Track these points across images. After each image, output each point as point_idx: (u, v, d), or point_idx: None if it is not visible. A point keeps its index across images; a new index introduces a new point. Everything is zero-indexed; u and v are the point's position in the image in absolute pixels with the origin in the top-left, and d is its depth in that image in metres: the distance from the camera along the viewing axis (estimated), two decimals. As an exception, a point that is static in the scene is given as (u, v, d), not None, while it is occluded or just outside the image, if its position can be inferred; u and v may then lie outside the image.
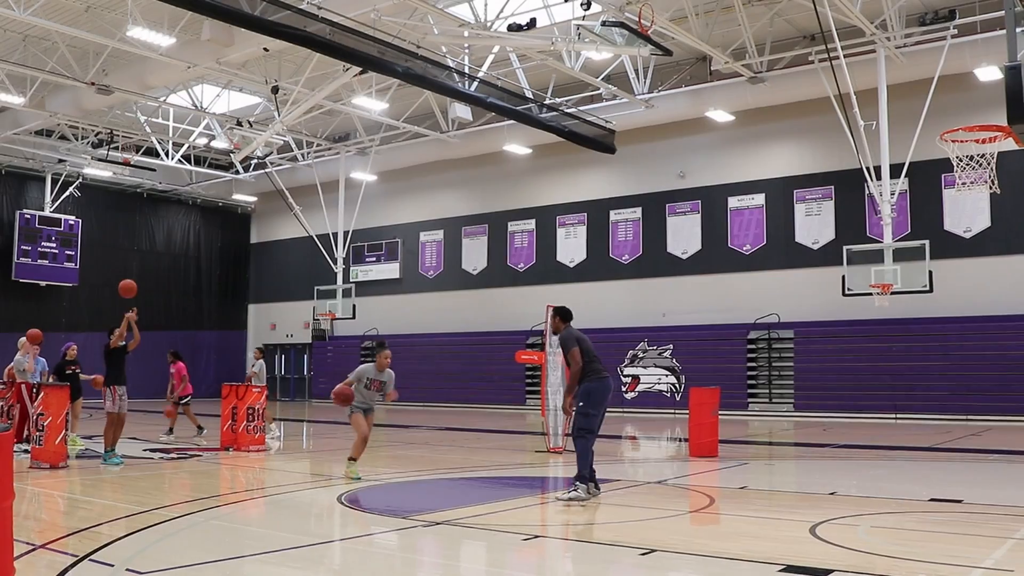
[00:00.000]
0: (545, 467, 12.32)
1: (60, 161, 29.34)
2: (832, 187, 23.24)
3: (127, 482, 10.52)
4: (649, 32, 15.43)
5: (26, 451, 12.56)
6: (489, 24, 17.47)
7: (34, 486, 9.85)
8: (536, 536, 7.23)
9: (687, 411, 13.74)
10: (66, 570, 5.68)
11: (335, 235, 28.54)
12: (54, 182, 30.35)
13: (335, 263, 28.35)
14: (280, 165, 30.53)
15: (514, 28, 16.93)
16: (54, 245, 29.93)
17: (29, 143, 27.76)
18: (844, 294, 19.02)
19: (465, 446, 15.76)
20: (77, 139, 27.61)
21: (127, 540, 6.74)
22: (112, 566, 5.84)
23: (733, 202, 24.79)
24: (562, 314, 9.34)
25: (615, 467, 12.70)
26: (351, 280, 29.91)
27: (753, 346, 24.05)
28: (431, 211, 31.05)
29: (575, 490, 8.58)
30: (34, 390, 12.65)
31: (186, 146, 28.35)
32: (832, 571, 5.62)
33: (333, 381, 32.63)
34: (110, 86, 21.35)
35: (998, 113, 10.39)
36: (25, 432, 13.10)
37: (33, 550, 6.31)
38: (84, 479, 10.72)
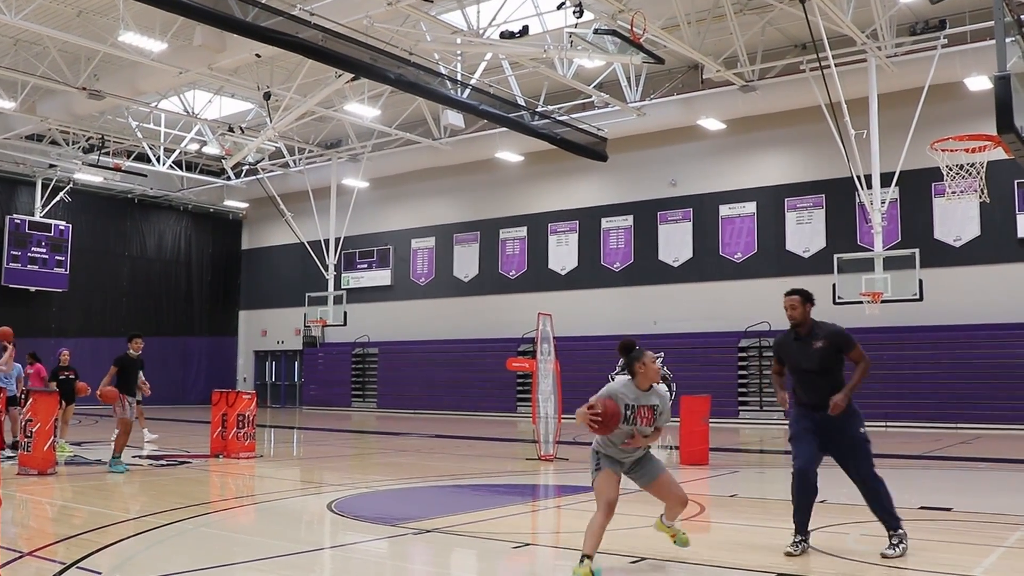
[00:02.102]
0: (536, 475, 12.30)
1: (51, 166, 29.24)
2: (823, 196, 23.29)
3: (116, 489, 10.47)
4: (641, 40, 15.46)
5: (9, 457, 12.52)
6: (481, 31, 17.49)
7: (22, 493, 9.79)
8: (527, 544, 7.21)
9: (678, 419, 13.73)
10: (53, 577, 5.65)
11: (326, 242, 28.51)
12: (44, 187, 30.23)
13: (326, 270, 28.30)
14: (272, 171, 30.48)
15: (506, 35, 16.95)
16: (44, 251, 29.81)
17: (20, 148, 27.67)
18: (835, 302, 19.03)
19: (456, 453, 15.73)
20: (68, 144, 27.52)
21: (115, 547, 6.70)
22: (100, 574, 5.80)
23: (724, 210, 24.82)
24: (811, 299, 6.85)
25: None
26: (342, 287, 29.86)
27: (744, 354, 24.07)
28: (423, 218, 31.03)
29: (901, 542, 6.40)
30: (22, 396, 12.60)
31: (177, 152, 28.27)
32: (822, 579, 5.61)
33: (324, 388, 32.99)
34: (101, 91, 21.30)
35: (988, 122, 10.44)
36: (13, 439, 13.06)
37: (20, 557, 6.27)
38: (72, 486, 10.66)
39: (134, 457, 13.57)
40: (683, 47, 18.09)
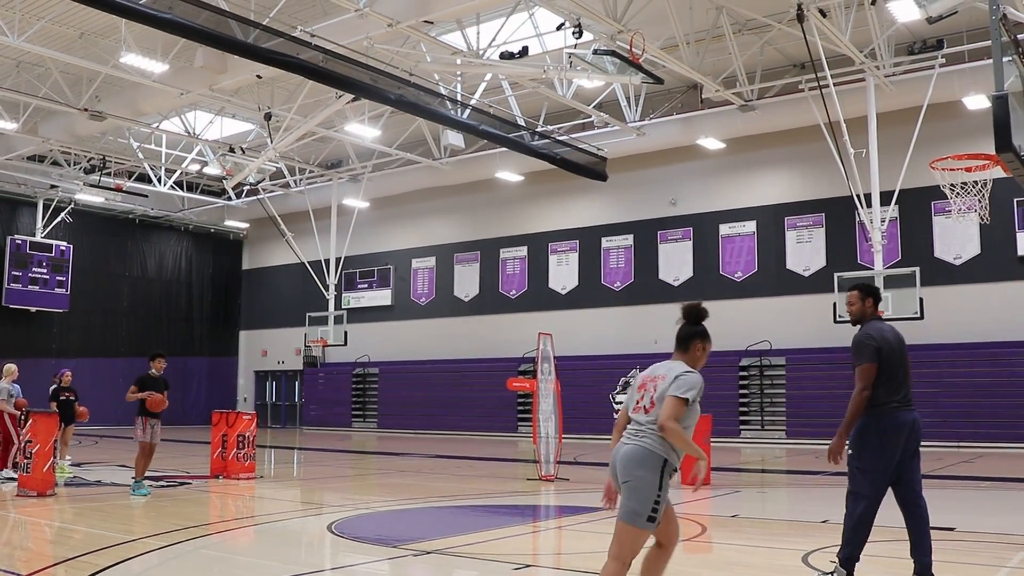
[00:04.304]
0: (536, 495, 12.25)
1: (52, 187, 29.30)
2: (823, 214, 23.32)
3: (115, 510, 10.43)
4: (640, 60, 15.53)
5: (9, 478, 12.48)
6: (481, 52, 17.56)
7: (21, 514, 9.75)
8: (528, 565, 7.17)
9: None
10: (51, 600, 5.62)
11: (327, 262, 28.53)
12: (46, 208, 30.30)
13: (327, 290, 28.31)
14: (272, 192, 30.55)
15: (506, 56, 17.02)
16: (45, 271, 29.83)
17: (21, 168, 27.73)
18: (835, 321, 19.00)
19: (456, 474, 15.67)
20: (69, 165, 27.60)
21: (114, 569, 6.67)
22: (98, 596, 5.77)
23: (724, 229, 24.85)
24: (874, 294, 6.27)
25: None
26: (343, 307, 29.84)
27: (745, 373, 24.03)
28: (423, 238, 31.06)
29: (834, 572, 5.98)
30: (21, 418, 12.59)
31: (178, 172, 28.36)
32: (825, 600, 5.57)
33: (324, 408, 32.94)
34: (103, 112, 21.37)
35: (987, 141, 10.45)
36: (12, 459, 13.03)
37: (18, 580, 6.24)
38: (72, 507, 10.62)
39: (132, 478, 13.52)
40: (682, 67, 18.16)
